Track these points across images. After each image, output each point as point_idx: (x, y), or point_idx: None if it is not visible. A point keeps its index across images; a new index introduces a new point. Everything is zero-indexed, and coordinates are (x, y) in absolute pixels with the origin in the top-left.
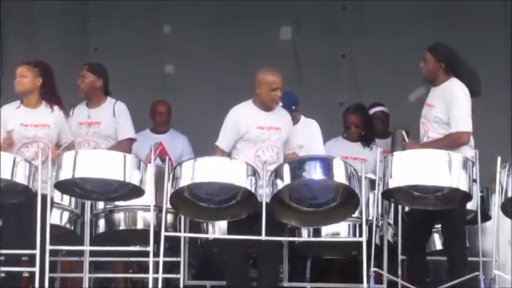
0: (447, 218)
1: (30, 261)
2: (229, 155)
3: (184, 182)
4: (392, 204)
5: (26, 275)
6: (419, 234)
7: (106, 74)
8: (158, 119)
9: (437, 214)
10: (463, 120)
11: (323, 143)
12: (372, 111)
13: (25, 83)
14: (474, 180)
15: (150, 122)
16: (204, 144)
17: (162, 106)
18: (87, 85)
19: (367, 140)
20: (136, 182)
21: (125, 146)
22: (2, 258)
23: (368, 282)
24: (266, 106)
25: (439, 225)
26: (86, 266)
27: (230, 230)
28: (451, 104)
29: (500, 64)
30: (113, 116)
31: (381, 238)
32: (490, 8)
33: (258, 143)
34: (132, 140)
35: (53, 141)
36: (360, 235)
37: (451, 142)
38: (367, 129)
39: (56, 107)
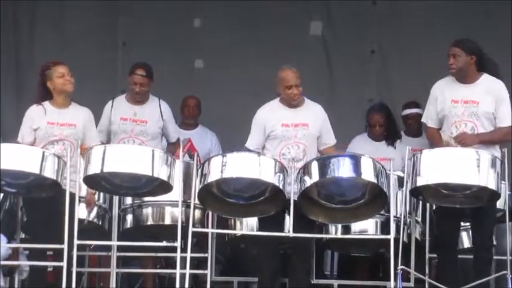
0: (477, 216)
1: (55, 256)
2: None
3: (212, 177)
4: (421, 202)
5: (49, 269)
6: (447, 232)
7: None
8: (186, 111)
9: (465, 212)
10: (510, 115)
11: (350, 140)
12: (407, 111)
13: (73, 83)
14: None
15: (180, 117)
16: (232, 139)
17: (191, 99)
18: (145, 91)
19: (391, 139)
20: (164, 177)
21: (178, 146)
22: (27, 252)
23: (395, 280)
24: (289, 103)
25: (467, 224)
26: (114, 261)
27: (260, 224)
28: (500, 99)
29: None
30: (160, 115)
31: (409, 236)
32: None
33: (284, 140)
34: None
35: (79, 141)
36: (388, 233)
37: (504, 136)
38: (391, 127)
39: (84, 108)
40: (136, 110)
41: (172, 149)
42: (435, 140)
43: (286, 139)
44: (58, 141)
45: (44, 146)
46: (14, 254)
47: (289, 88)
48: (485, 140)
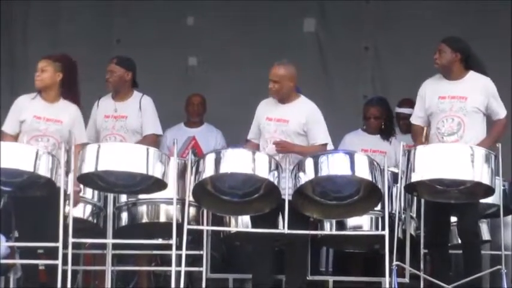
0: (462, 211)
1: (47, 254)
2: (258, 147)
3: (207, 174)
4: (415, 198)
5: (41, 267)
6: (437, 228)
7: (135, 67)
8: (191, 109)
9: (452, 207)
10: (503, 106)
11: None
12: (399, 110)
13: (44, 78)
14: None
15: (185, 115)
16: (225, 136)
17: (196, 97)
18: (116, 79)
19: (386, 134)
20: (158, 175)
21: (149, 141)
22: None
23: (390, 275)
24: (278, 99)
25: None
26: (109, 259)
27: (253, 223)
28: (489, 94)
29: None
30: (139, 110)
31: (404, 231)
32: None
33: (265, 134)
34: (157, 136)
35: (64, 138)
36: (383, 228)
37: (503, 128)
38: (388, 122)
39: (73, 105)
40: (118, 106)
41: (144, 142)
42: (416, 136)
43: (266, 133)
44: (42, 136)
45: (28, 141)
46: (11, 253)
47: (269, 82)
48: (491, 143)
